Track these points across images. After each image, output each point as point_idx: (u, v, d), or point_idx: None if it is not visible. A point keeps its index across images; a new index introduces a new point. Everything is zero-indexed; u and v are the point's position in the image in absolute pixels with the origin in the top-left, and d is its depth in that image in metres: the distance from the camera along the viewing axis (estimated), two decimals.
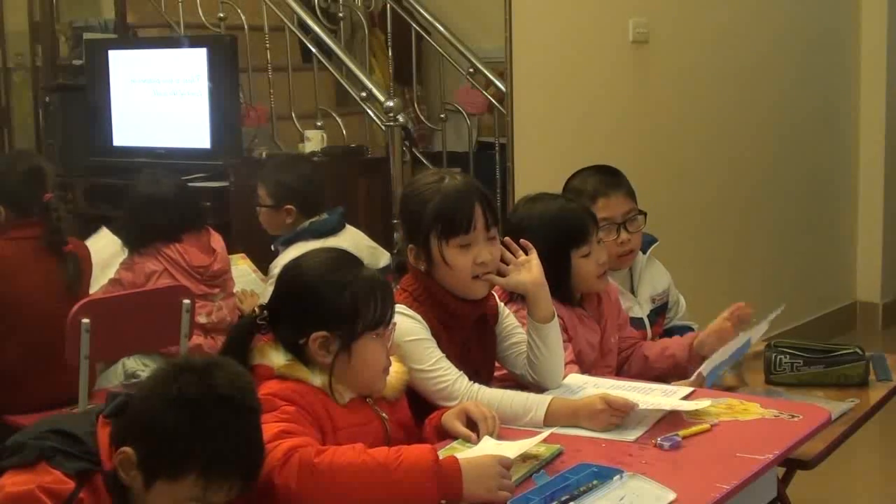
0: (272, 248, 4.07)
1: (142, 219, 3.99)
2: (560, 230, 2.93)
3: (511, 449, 2.17)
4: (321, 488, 1.99)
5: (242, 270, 4.31)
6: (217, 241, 4.13)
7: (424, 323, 2.52)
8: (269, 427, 2.04)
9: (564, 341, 2.78)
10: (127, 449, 1.87)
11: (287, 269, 2.33)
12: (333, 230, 4.08)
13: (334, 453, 2.03)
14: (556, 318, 2.68)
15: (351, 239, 4.06)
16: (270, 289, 2.58)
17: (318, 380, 2.21)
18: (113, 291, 3.93)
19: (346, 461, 2.01)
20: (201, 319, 3.96)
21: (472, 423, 2.34)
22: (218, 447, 1.85)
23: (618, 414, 2.40)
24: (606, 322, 3.07)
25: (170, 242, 3.96)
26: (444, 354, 2.51)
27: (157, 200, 3.98)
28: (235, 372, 1.95)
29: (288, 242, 3.98)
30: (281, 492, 1.99)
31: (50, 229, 3.70)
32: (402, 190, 2.74)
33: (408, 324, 2.47)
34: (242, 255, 4.37)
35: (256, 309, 2.30)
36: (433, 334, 2.53)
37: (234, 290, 4.16)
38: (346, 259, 2.32)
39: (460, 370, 2.52)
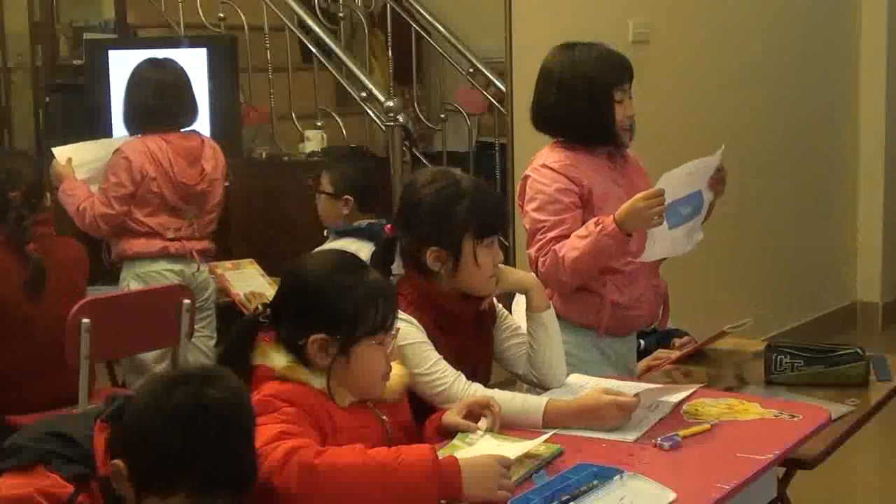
0: (325, 233, 4.07)
1: (135, 98, 4.25)
2: (605, 67, 3.07)
3: (511, 449, 2.17)
4: (321, 489, 1.98)
5: (250, 273, 4.31)
6: (209, 157, 4.25)
7: (420, 326, 2.52)
8: (270, 428, 2.03)
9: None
10: (118, 462, 1.83)
11: (292, 267, 2.32)
12: None
13: (334, 454, 2.02)
14: (552, 309, 2.70)
15: None
16: None
17: (318, 382, 2.20)
18: (116, 171, 4.09)
19: (346, 462, 2.01)
20: (169, 235, 4.17)
21: (473, 420, 2.34)
22: (209, 466, 1.80)
23: (626, 413, 2.41)
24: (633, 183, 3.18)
25: (158, 129, 4.15)
26: (441, 356, 2.51)
27: (151, 82, 4.21)
28: (231, 387, 1.88)
29: (342, 234, 3.98)
30: (281, 493, 1.98)
31: (9, 229, 3.60)
32: (408, 194, 2.65)
33: (404, 328, 2.45)
34: (251, 260, 4.37)
35: (260, 306, 2.29)
36: (429, 338, 2.52)
37: (241, 291, 4.15)
38: (352, 262, 2.31)
39: (458, 371, 2.52)
